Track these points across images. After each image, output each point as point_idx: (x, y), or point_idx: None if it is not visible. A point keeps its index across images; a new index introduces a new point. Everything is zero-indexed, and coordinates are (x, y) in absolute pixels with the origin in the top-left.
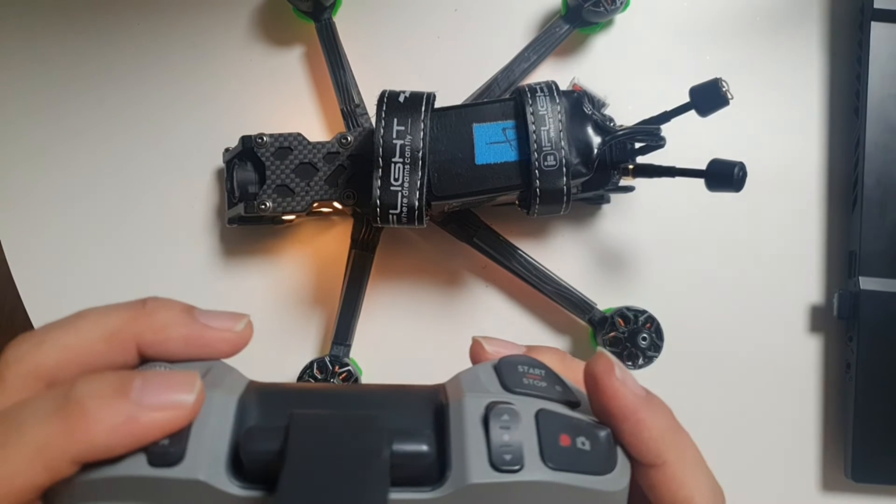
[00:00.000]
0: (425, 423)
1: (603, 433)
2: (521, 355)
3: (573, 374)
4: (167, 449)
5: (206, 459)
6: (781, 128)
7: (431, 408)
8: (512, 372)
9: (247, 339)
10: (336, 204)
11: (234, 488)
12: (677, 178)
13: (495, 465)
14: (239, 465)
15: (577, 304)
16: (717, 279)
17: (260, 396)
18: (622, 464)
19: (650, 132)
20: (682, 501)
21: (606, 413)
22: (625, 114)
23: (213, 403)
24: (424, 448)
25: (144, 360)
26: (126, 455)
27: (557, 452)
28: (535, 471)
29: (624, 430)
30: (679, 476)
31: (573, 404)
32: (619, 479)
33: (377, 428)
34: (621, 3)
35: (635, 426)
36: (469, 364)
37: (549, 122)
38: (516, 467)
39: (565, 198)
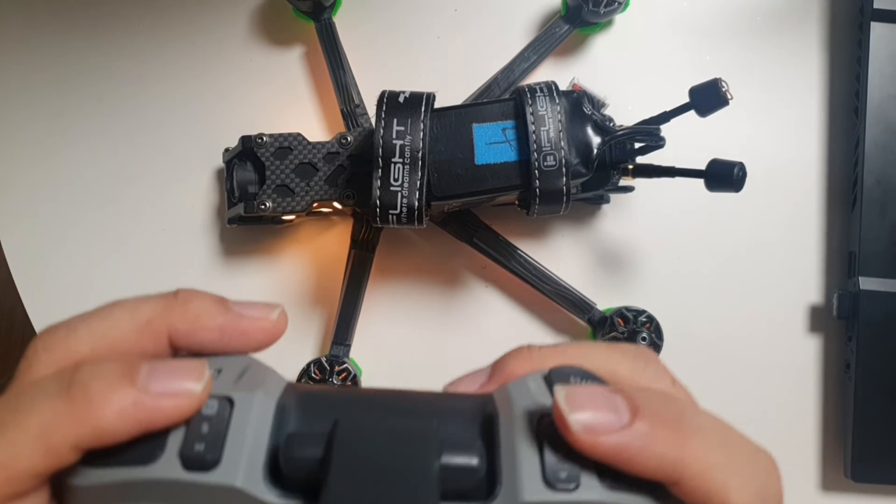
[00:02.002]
0: (474, 435)
1: None
2: (574, 366)
3: (546, 366)
4: (203, 453)
5: (244, 465)
6: (781, 128)
7: (479, 419)
8: (564, 383)
9: (282, 328)
10: (336, 204)
11: (271, 497)
12: (677, 178)
13: (550, 484)
14: (277, 472)
15: (576, 304)
16: (717, 279)
17: (300, 400)
18: None
19: (650, 132)
20: None
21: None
22: (625, 114)
23: (251, 406)
24: (475, 462)
25: (176, 351)
26: (156, 457)
27: (615, 471)
28: (591, 490)
29: (620, 467)
30: (702, 488)
31: None
32: (677, 500)
33: (426, 438)
34: (621, 3)
35: (630, 465)
36: (470, 366)
37: (548, 123)
38: (572, 486)
39: (565, 198)
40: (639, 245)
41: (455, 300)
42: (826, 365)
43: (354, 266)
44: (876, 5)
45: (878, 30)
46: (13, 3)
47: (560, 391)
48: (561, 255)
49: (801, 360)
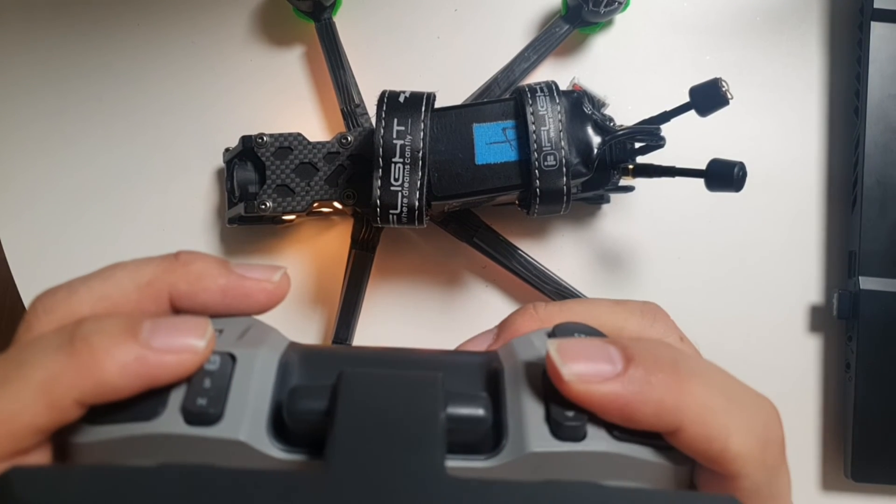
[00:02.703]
0: (479, 388)
1: None
2: (578, 322)
3: (552, 324)
4: (205, 407)
5: (247, 419)
6: (781, 128)
7: (484, 373)
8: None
9: (285, 290)
10: (336, 204)
11: (275, 451)
12: (677, 178)
13: (557, 434)
14: (280, 427)
15: None
16: (717, 279)
17: (302, 356)
18: None
19: (650, 132)
20: (716, 456)
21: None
22: (625, 114)
23: (254, 361)
24: (481, 412)
25: (177, 313)
26: (158, 413)
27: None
28: (599, 441)
29: (616, 419)
30: (702, 433)
31: None
32: (682, 453)
33: (432, 389)
34: (621, 3)
35: (627, 413)
36: None
37: (548, 122)
38: (579, 436)
39: (565, 198)
40: (639, 245)
41: (455, 300)
42: (826, 365)
43: (354, 266)
44: (876, 5)
45: (878, 30)
46: (13, 3)
47: (552, 343)
48: (561, 255)
49: (801, 360)
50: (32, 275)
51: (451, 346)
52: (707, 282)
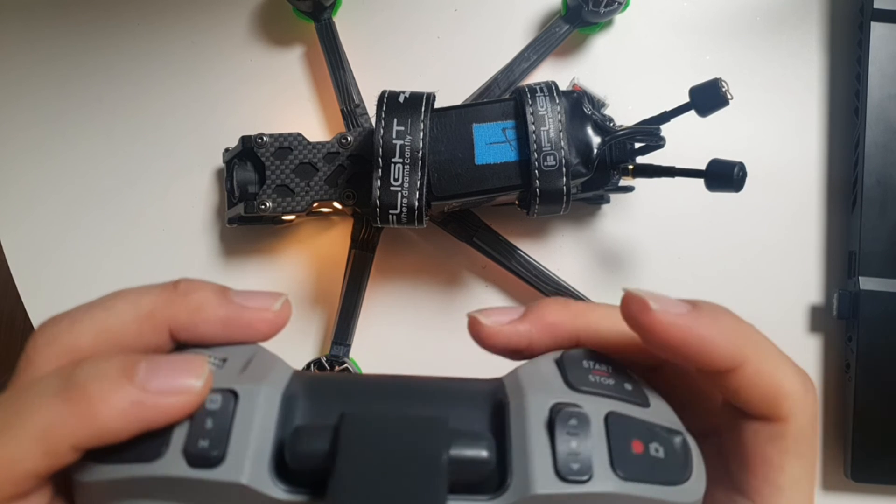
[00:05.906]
0: (484, 425)
1: (678, 439)
2: (586, 349)
3: (584, 320)
4: (207, 449)
5: (249, 461)
6: (781, 128)
7: (490, 405)
8: (576, 368)
9: (285, 318)
10: (336, 204)
11: (278, 492)
12: (677, 178)
13: (561, 475)
14: (284, 466)
15: None
16: (717, 279)
17: (306, 390)
18: (698, 471)
19: (650, 132)
20: (772, 393)
21: (667, 349)
22: (625, 114)
23: (256, 399)
24: (485, 454)
25: (178, 344)
26: (161, 454)
27: (629, 461)
28: (605, 481)
29: (692, 356)
30: (762, 368)
31: (643, 404)
32: (694, 489)
33: (435, 430)
34: (621, 3)
35: (700, 345)
36: (470, 367)
37: (548, 123)
38: (584, 477)
39: (565, 198)
40: (639, 245)
41: (455, 300)
42: (826, 365)
43: (354, 266)
44: (876, 5)
45: (878, 30)
46: (13, 3)
47: (634, 290)
48: (561, 255)
49: (801, 360)
50: (32, 276)
51: (450, 347)
52: (707, 281)
